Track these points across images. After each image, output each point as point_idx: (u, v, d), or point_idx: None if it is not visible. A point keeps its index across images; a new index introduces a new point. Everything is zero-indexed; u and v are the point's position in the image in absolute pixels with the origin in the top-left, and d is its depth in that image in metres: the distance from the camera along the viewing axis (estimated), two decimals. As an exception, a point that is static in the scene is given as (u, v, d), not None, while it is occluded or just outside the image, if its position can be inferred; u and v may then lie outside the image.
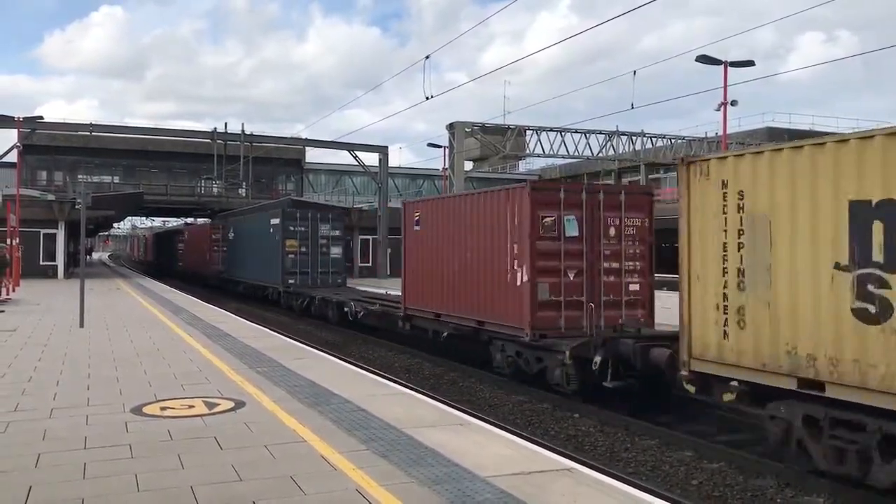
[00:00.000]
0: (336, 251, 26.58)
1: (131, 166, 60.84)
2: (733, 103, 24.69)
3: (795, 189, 7.17)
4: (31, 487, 5.14)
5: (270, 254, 26.82)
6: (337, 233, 26.74)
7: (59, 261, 35.72)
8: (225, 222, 36.94)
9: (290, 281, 25.49)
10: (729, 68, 24.68)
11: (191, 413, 7.49)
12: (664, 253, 19.73)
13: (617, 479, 6.00)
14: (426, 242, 15.01)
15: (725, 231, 7.88)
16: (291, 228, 25.78)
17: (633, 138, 40.67)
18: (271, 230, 26.94)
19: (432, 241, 14.75)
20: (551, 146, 38.01)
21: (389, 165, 51.88)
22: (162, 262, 59.27)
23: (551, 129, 37.88)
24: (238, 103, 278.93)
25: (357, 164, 51.76)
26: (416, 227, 15.47)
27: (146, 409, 7.62)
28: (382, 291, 23.11)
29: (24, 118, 33.53)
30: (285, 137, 54.67)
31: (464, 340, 14.30)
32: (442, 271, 14.30)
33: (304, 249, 25.76)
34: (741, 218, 7.73)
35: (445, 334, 14.52)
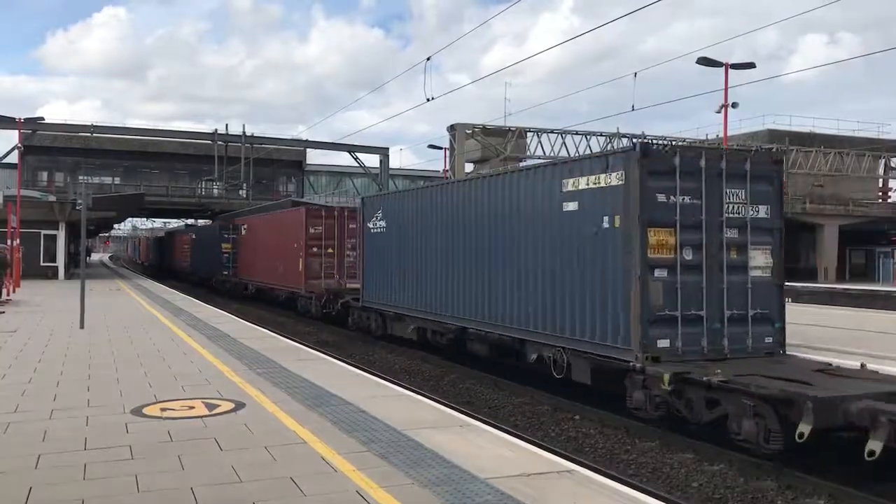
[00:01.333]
0: (761, 261, 10.26)
1: (132, 167, 60.98)
2: (734, 105, 24.69)
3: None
4: (31, 488, 5.14)
5: (570, 270, 10.67)
6: (763, 212, 10.27)
7: (60, 262, 35.70)
8: (373, 203, 18.64)
9: (663, 344, 9.46)
10: (730, 70, 24.69)
11: (191, 414, 7.48)
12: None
13: (617, 481, 5.99)
14: None
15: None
16: (664, 199, 9.54)
17: (634, 140, 40.69)
18: (567, 208, 10.73)
19: None
20: (552, 148, 38.05)
21: (390, 167, 52.04)
22: (187, 269, 44.80)
23: (552, 131, 37.90)
24: (240, 104, 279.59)
25: (358, 165, 51.91)
26: None
27: (146, 411, 7.62)
28: None
29: (24, 119, 33.59)
30: (286, 139, 54.89)
31: None
32: None
33: (689, 257, 9.67)
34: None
35: None
